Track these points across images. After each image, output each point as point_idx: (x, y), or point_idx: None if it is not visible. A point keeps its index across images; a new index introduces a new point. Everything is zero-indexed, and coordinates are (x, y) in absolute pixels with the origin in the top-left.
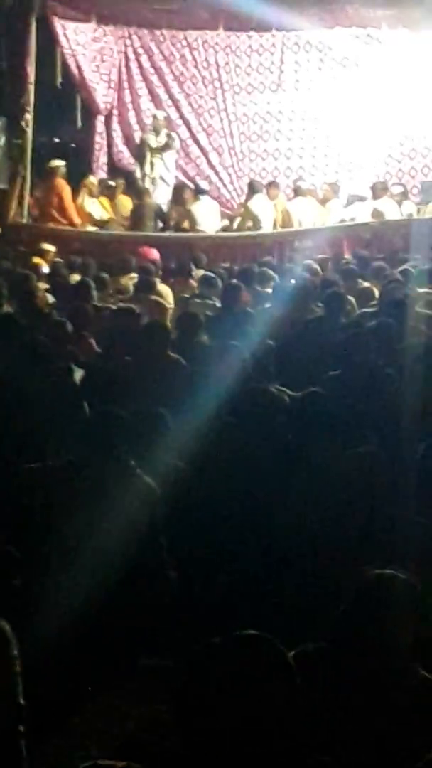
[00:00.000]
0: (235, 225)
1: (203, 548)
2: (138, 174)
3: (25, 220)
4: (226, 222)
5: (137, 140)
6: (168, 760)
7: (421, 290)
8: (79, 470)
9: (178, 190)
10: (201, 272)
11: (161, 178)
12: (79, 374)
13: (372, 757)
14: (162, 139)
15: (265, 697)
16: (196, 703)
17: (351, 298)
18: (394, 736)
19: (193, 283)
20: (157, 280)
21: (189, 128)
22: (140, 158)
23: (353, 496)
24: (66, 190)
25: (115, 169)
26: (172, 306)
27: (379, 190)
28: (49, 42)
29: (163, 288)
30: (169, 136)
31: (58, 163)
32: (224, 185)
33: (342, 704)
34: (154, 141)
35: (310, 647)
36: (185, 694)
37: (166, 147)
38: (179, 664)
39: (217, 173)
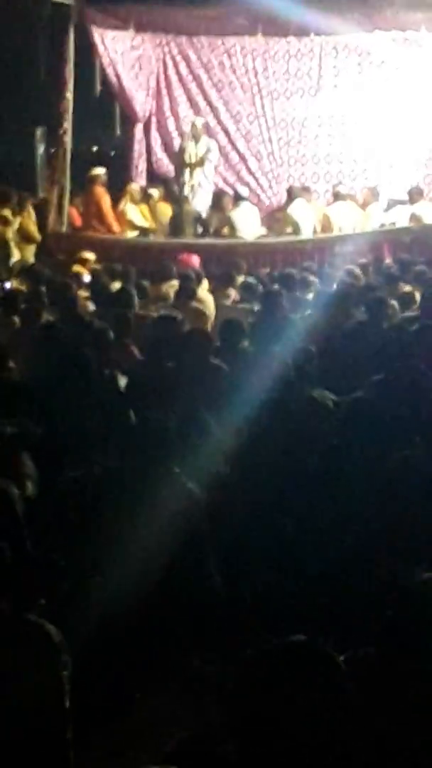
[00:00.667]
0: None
1: (248, 553)
2: (178, 181)
3: (64, 229)
4: (265, 228)
5: (176, 147)
6: (219, 766)
7: None
8: (124, 477)
9: (218, 196)
10: (241, 278)
11: (200, 185)
12: (123, 381)
13: (426, 763)
14: (202, 147)
15: (317, 704)
16: (248, 709)
17: (393, 303)
18: None
19: (232, 290)
20: (198, 287)
21: (228, 135)
22: (179, 166)
23: (399, 501)
24: (105, 198)
25: (154, 176)
26: (213, 313)
27: (415, 195)
28: (87, 50)
29: (204, 295)
30: (207, 149)
31: (99, 171)
32: (263, 191)
33: (392, 710)
34: (193, 148)
35: (360, 653)
36: (237, 701)
37: (203, 161)
38: (226, 670)
39: (256, 179)
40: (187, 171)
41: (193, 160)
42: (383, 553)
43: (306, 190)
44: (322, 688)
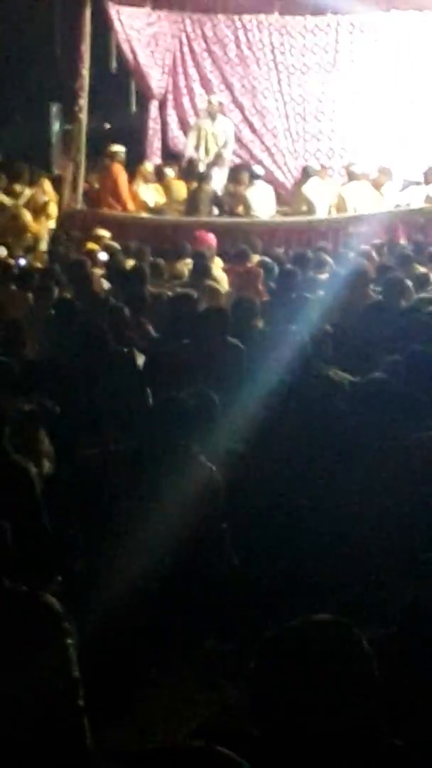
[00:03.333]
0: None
1: (264, 533)
2: (193, 160)
3: (79, 206)
4: (280, 207)
5: (192, 125)
6: (241, 744)
7: None
8: (141, 455)
9: (234, 175)
10: (257, 257)
11: (216, 163)
12: (140, 359)
13: None
14: (219, 126)
15: (340, 681)
16: (270, 688)
17: (408, 283)
18: None
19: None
20: (213, 265)
21: (242, 112)
22: (195, 144)
23: (415, 482)
24: (123, 176)
25: (169, 154)
26: (227, 290)
27: (430, 175)
28: (103, 27)
29: (219, 273)
30: (223, 127)
31: (118, 148)
32: (278, 167)
33: (415, 690)
34: (210, 126)
35: (381, 633)
36: (259, 680)
37: (219, 139)
38: (244, 649)
39: (271, 155)
40: (203, 149)
41: (210, 139)
42: (403, 533)
43: (323, 169)
44: (347, 666)
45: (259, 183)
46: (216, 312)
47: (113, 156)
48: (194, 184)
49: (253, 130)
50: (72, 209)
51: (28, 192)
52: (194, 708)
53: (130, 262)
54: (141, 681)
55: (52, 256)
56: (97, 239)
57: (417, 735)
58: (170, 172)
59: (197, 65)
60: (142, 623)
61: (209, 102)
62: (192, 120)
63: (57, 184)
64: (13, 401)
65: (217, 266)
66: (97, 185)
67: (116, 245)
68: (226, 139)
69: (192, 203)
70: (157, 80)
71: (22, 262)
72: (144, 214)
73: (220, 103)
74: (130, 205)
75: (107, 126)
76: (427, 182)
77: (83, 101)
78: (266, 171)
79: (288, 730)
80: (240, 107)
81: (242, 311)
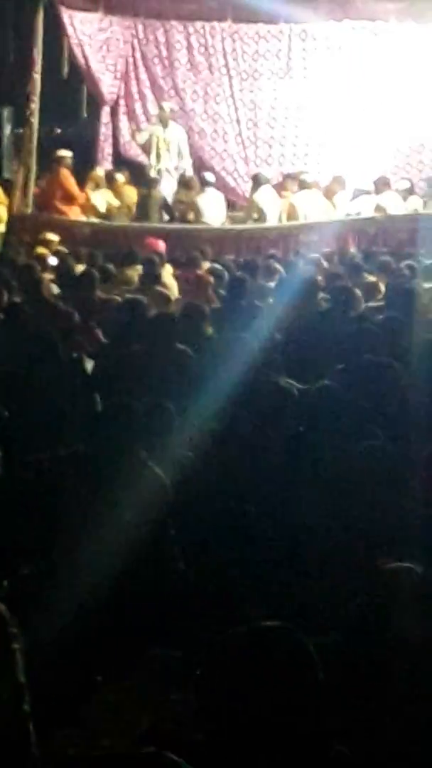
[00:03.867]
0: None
1: (212, 539)
2: (144, 166)
3: (29, 210)
4: (231, 213)
5: (144, 131)
6: (188, 750)
7: (427, 285)
8: (89, 460)
9: (184, 181)
10: (206, 264)
11: (167, 170)
12: (89, 365)
13: (390, 748)
14: (170, 132)
15: (286, 687)
16: (217, 694)
17: (358, 292)
18: (411, 727)
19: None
20: (164, 271)
21: (193, 118)
22: (146, 150)
23: (363, 490)
24: (70, 181)
25: (120, 160)
26: (177, 296)
27: (380, 185)
28: (55, 32)
29: (169, 280)
30: (175, 134)
31: (65, 153)
32: (229, 173)
33: (359, 696)
34: (161, 132)
35: (327, 639)
36: (206, 685)
37: (170, 145)
38: (191, 655)
39: (222, 161)
40: (154, 155)
41: (161, 145)
42: (349, 540)
43: (289, 179)
44: (292, 673)
45: (209, 190)
46: (165, 318)
47: (60, 161)
48: (144, 190)
49: (204, 136)
50: (22, 213)
51: None
52: (141, 713)
53: (80, 267)
54: (88, 686)
55: (2, 260)
56: (47, 244)
57: (361, 741)
58: (120, 177)
59: (149, 71)
60: (88, 628)
61: (161, 108)
62: (144, 126)
63: (7, 188)
64: None
65: (168, 273)
66: (44, 189)
67: (65, 250)
68: (178, 145)
69: (142, 209)
70: (108, 85)
71: None
72: (94, 219)
73: (172, 110)
74: (79, 211)
75: (58, 131)
76: (377, 192)
77: (35, 105)
78: (217, 177)
79: (234, 735)
80: (191, 113)
81: (192, 318)
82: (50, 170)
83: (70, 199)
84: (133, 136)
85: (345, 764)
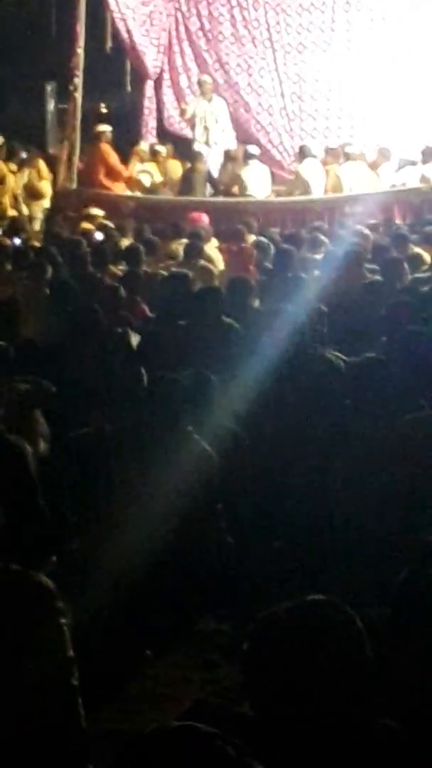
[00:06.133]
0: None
1: (258, 513)
2: (189, 139)
3: (74, 186)
4: (276, 186)
5: (188, 104)
6: (237, 725)
7: None
8: (136, 435)
9: (229, 154)
10: (252, 237)
11: (213, 142)
12: (135, 339)
13: None
14: (213, 105)
15: (333, 662)
16: (264, 669)
17: (405, 264)
18: None
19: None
20: (207, 245)
21: (237, 91)
22: (190, 123)
23: (409, 461)
24: (112, 155)
25: (165, 133)
26: (223, 270)
27: (427, 155)
28: (99, 6)
29: (213, 252)
30: (218, 106)
31: (104, 128)
32: (274, 146)
33: (410, 670)
34: (205, 105)
35: (374, 613)
36: (253, 660)
37: (214, 118)
38: (238, 630)
39: (267, 134)
40: (198, 129)
41: (208, 118)
42: (397, 513)
43: (331, 152)
44: (340, 647)
45: (254, 163)
46: (211, 291)
47: (99, 136)
48: (189, 164)
49: (249, 110)
50: (67, 189)
51: (24, 174)
52: (188, 688)
53: (125, 242)
54: (135, 661)
55: (47, 236)
56: (92, 219)
57: (411, 716)
58: (164, 150)
59: (192, 44)
60: (136, 604)
61: (203, 81)
62: (188, 99)
63: (51, 163)
64: (8, 381)
65: (212, 246)
66: (88, 165)
67: (111, 224)
68: (220, 118)
69: (187, 183)
70: (152, 59)
71: (17, 241)
72: (139, 194)
73: (214, 83)
74: (123, 185)
75: (102, 106)
76: (423, 162)
77: (78, 80)
78: (262, 150)
79: (281, 710)
80: (235, 86)
81: (238, 291)
82: (91, 145)
83: (114, 174)
84: (181, 114)
85: (394, 739)
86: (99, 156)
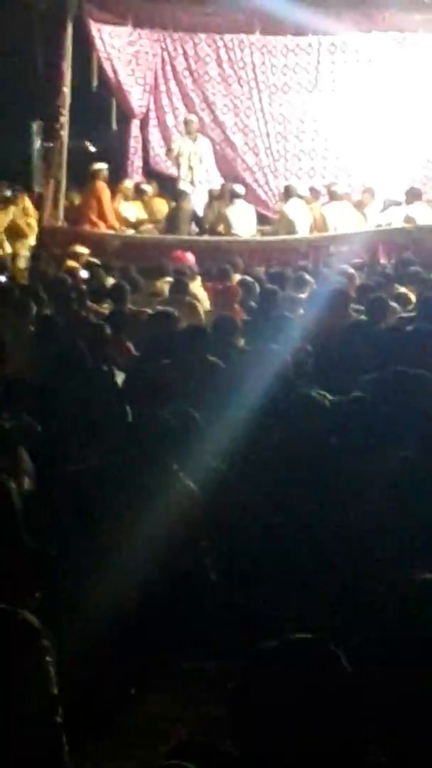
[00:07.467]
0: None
1: (244, 551)
2: (174, 178)
3: (60, 223)
4: (261, 226)
5: (173, 144)
6: (223, 763)
7: None
8: (121, 473)
9: (214, 194)
10: (237, 276)
11: (198, 182)
12: (120, 377)
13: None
14: (198, 145)
15: (319, 700)
16: (251, 707)
17: (390, 303)
18: None
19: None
20: (192, 283)
21: (223, 130)
22: (176, 163)
23: (398, 501)
24: (106, 194)
25: (150, 172)
26: (208, 309)
27: (411, 196)
28: (84, 45)
29: (198, 290)
30: (203, 146)
31: (101, 166)
32: (260, 186)
33: (394, 708)
34: (190, 145)
35: (360, 651)
36: (239, 698)
37: (199, 158)
38: (224, 667)
39: (252, 173)
40: (184, 168)
41: (190, 157)
42: (382, 552)
43: (313, 192)
44: (326, 685)
45: (239, 202)
46: (196, 330)
47: (96, 174)
48: (174, 203)
49: (235, 149)
50: (52, 226)
51: (8, 213)
52: (174, 726)
53: (110, 280)
54: (120, 699)
55: (32, 274)
56: (77, 257)
57: (399, 753)
58: (149, 189)
59: (179, 83)
60: (122, 641)
61: (189, 121)
62: (174, 138)
63: (37, 201)
64: None
65: (197, 285)
66: (77, 202)
67: (97, 262)
68: (204, 157)
69: (172, 221)
70: (138, 99)
71: (2, 279)
72: (126, 231)
73: (200, 122)
74: (115, 223)
75: (88, 144)
76: (407, 202)
77: (64, 119)
78: (247, 190)
79: (267, 749)
80: (221, 126)
81: (223, 330)
82: (86, 183)
83: (104, 212)
84: (167, 154)
85: None
86: (94, 194)
